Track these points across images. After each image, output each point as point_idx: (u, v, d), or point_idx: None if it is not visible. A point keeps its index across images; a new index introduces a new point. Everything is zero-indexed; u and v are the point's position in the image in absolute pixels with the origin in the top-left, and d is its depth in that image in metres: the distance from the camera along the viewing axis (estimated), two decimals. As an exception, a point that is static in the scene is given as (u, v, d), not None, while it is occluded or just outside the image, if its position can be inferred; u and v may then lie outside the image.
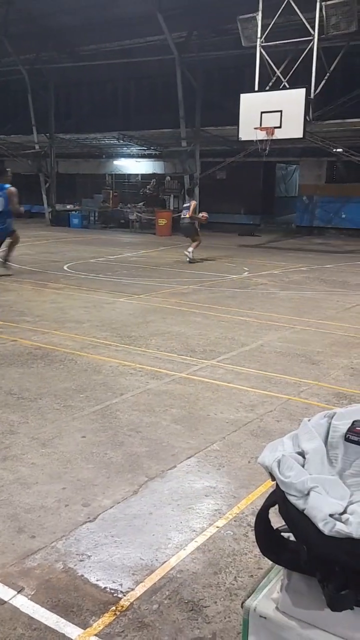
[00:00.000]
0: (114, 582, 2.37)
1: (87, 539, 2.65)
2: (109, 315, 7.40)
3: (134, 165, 25.27)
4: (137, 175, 25.76)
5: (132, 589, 2.32)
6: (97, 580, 2.37)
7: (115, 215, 22.89)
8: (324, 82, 14.28)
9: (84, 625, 2.13)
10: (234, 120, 15.08)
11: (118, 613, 2.18)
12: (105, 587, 2.33)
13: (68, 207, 23.95)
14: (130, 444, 3.65)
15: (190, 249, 12.83)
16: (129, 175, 26.07)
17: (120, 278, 10.46)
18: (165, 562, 2.49)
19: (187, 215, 12.93)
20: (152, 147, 22.15)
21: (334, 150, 17.80)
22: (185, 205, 13.58)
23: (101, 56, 21.29)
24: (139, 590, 2.31)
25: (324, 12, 13.74)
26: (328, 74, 14.52)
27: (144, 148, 22.52)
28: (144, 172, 25.24)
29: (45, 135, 22.66)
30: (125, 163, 25.30)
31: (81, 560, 2.50)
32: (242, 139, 14.92)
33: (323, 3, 13.67)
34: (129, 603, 2.24)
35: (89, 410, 4.19)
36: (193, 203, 13.17)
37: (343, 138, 17.94)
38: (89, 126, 22.87)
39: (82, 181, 26.45)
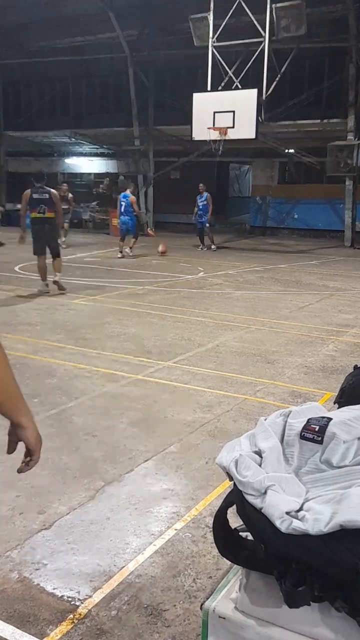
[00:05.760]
0: (71, 589, 2.32)
1: (43, 547, 2.59)
2: (63, 317, 7.28)
3: (87, 164, 25.00)
4: (90, 174, 25.49)
5: (90, 596, 2.28)
6: (53, 589, 2.32)
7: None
8: (275, 83, 14.52)
9: (41, 635, 2.08)
10: (187, 119, 15.15)
11: (76, 621, 2.14)
12: (62, 596, 2.28)
13: (19, 206, 23.47)
14: (86, 448, 3.59)
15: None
16: (82, 174, 25.78)
17: (75, 279, 10.33)
18: (123, 567, 2.46)
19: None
20: (104, 146, 21.99)
21: (286, 151, 18.14)
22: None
23: (51, 53, 21.01)
24: (97, 597, 2.28)
25: (274, 14, 13.98)
26: (279, 76, 14.77)
27: (96, 147, 22.33)
28: (97, 171, 25.00)
29: (-6, 133, 22.21)
30: (77, 162, 25.00)
31: (37, 569, 2.44)
32: (196, 139, 15.01)
33: (273, 5, 13.91)
34: (86, 610, 2.20)
35: (43, 415, 4.11)
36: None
37: (294, 139, 18.31)
38: (40, 124, 22.52)
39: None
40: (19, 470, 1.66)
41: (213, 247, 15.77)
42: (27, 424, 1.62)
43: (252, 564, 1.34)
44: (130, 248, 13.83)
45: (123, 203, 13.84)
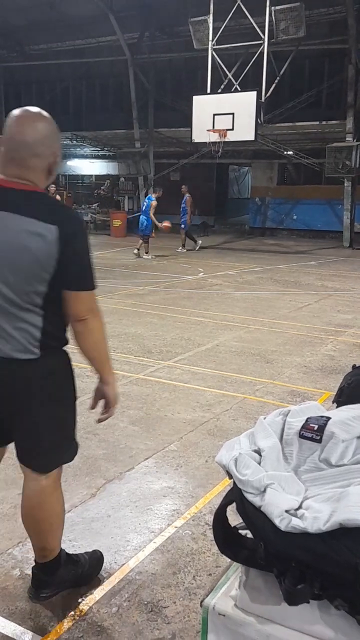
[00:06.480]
0: (72, 587, 2.34)
1: (44, 545, 2.60)
2: (64, 318, 7.30)
3: (88, 166, 25.04)
4: (90, 176, 25.53)
5: (91, 593, 2.30)
6: (55, 586, 2.34)
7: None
8: (274, 85, 14.55)
9: (43, 632, 2.10)
10: (187, 122, 15.17)
11: (77, 618, 2.16)
12: (63, 593, 2.30)
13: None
14: (87, 446, 3.61)
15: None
16: (83, 176, 25.81)
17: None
18: (124, 564, 2.48)
19: None
20: (105, 148, 22.01)
21: (285, 152, 18.17)
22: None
23: (52, 56, 21.02)
24: (98, 594, 2.29)
25: (273, 17, 14.00)
26: (278, 78, 14.80)
27: (97, 149, 22.34)
28: (97, 172, 25.04)
29: (-5, 135, 22.22)
30: (78, 164, 25.03)
31: (38, 567, 2.46)
32: (195, 141, 15.03)
33: (273, 8, 13.94)
34: (87, 607, 2.22)
35: (44, 414, 4.12)
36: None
37: (293, 141, 18.33)
38: (40, 126, 22.48)
39: (34, 182, 25.98)
40: (99, 420, 2.11)
41: (180, 249, 15.56)
42: (111, 382, 2.11)
43: (251, 561, 1.36)
44: (146, 252, 14.01)
45: (145, 203, 14.45)
